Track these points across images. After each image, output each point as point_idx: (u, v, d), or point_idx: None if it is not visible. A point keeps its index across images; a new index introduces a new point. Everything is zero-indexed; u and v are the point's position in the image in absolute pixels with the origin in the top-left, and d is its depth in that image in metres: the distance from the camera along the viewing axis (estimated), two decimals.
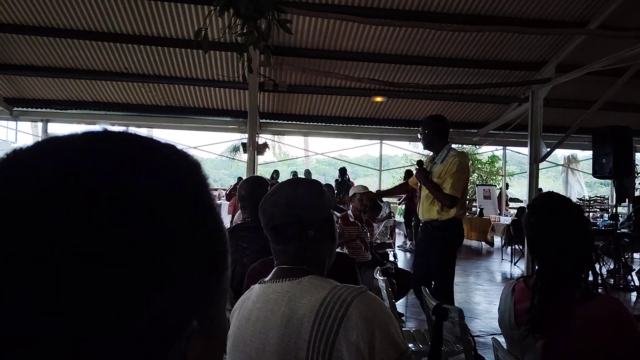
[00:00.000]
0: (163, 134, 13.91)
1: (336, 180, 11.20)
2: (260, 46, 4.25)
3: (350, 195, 4.81)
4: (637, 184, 9.67)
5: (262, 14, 3.91)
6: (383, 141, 12.44)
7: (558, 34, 6.29)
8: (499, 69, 7.45)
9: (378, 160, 14.34)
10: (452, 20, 5.95)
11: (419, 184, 3.72)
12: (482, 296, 6.06)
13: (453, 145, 3.72)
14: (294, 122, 9.62)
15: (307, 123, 9.68)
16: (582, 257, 1.54)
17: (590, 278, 1.56)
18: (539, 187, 7.44)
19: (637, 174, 10.78)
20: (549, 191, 1.78)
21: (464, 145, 11.82)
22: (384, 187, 13.57)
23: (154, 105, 8.77)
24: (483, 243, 10.39)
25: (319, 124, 9.71)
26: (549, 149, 7.39)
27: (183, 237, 0.33)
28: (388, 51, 7.06)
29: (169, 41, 6.81)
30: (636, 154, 9.77)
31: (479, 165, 17.05)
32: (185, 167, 0.37)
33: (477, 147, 14.51)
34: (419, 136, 3.76)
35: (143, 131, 0.39)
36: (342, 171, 11.53)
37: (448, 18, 6.00)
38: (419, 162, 3.85)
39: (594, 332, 1.42)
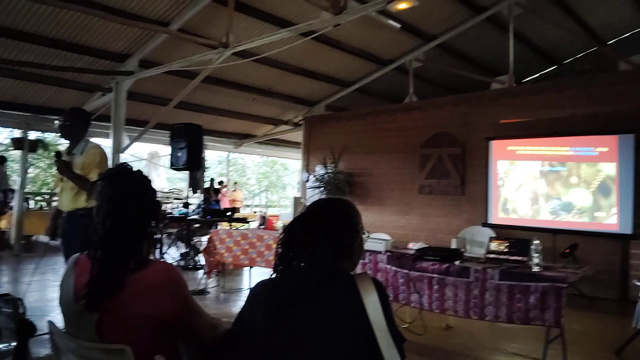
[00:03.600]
0: None
1: None
2: None
3: None
4: (206, 177, 11.12)
5: None
6: None
7: (140, 27, 6.53)
8: (84, 54, 7.15)
9: None
10: None
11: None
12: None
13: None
14: None
15: None
16: (139, 227, 1.58)
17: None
18: None
19: (207, 168, 12.47)
20: (122, 162, 1.76)
21: (45, 134, 10.82)
22: None
23: None
24: None
25: None
26: (130, 142, 7.64)
27: None
28: None
29: None
30: (205, 150, 11.27)
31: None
32: None
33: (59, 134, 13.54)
34: (57, 124, 3.85)
35: None
36: None
37: None
38: (58, 154, 3.69)
39: (149, 296, 1.48)
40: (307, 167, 9.84)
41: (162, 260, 1.64)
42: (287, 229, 1.50)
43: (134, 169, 1.68)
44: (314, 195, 9.13)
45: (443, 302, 3.74)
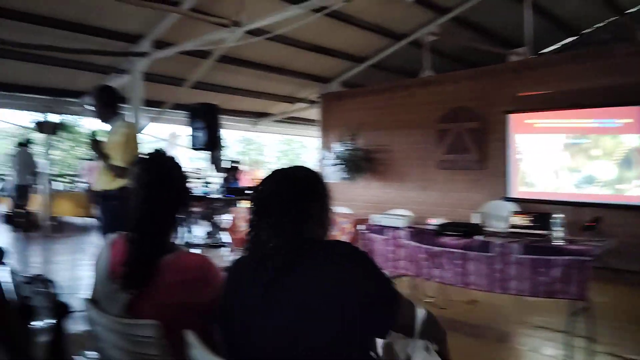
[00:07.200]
0: None
1: None
2: None
3: None
4: (224, 156, 11.16)
5: None
6: None
7: (152, 7, 6.48)
8: (98, 36, 7.17)
9: None
10: None
11: None
12: (88, 270, 5.86)
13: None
14: None
15: None
16: (173, 214, 1.65)
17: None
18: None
19: (225, 147, 12.52)
20: (158, 149, 1.76)
21: (66, 115, 11.01)
22: None
23: None
24: (90, 219, 10.01)
25: None
26: (148, 122, 7.71)
27: None
28: None
29: None
30: (223, 130, 11.31)
31: (82, 138, 16.23)
32: None
33: (79, 117, 13.71)
34: (93, 108, 3.84)
35: None
36: None
37: None
38: (93, 133, 3.75)
39: (184, 287, 1.53)
40: (325, 145, 9.82)
41: (195, 251, 1.66)
42: (254, 200, 1.42)
43: (168, 154, 1.72)
44: (333, 173, 9.14)
45: (466, 277, 3.75)
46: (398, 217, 4.34)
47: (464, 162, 7.73)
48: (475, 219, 4.33)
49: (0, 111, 11.98)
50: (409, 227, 4.19)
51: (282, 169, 1.45)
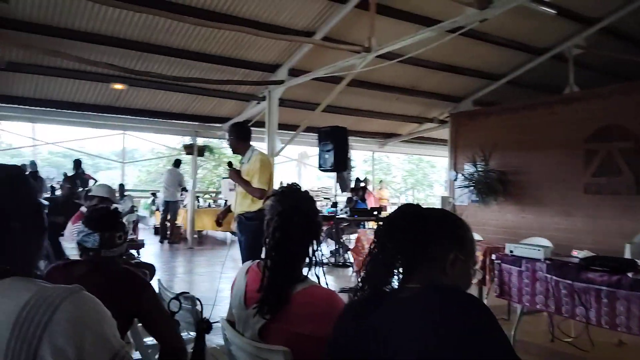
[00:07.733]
0: None
1: (72, 174, 10.16)
2: None
3: (90, 193, 4.86)
4: (352, 177, 11.39)
5: None
6: (126, 132, 11.84)
7: (289, 40, 6.92)
8: (240, 67, 7.81)
9: (121, 152, 13.61)
10: (192, 13, 5.95)
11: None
12: (226, 283, 6.29)
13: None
14: (15, 106, 8.32)
15: (34, 108, 8.51)
16: (304, 245, 1.71)
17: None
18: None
19: (353, 168, 12.77)
20: (294, 182, 1.88)
21: (211, 139, 12.09)
22: (130, 181, 12.90)
23: None
24: (228, 234, 10.80)
25: (49, 109, 8.63)
26: (283, 145, 8.14)
27: None
28: (128, 37, 6.71)
29: None
30: (351, 150, 11.54)
31: (225, 159, 17.65)
32: None
33: (222, 140, 14.95)
34: (228, 142, 4.46)
35: None
36: (77, 163, 10.60)
37: (188, 10, 5.98)
38: (229, 164, 4.32)
39: (314, 320, 1.57)
40: (455, 166, 9.50)
41: (319, 269, 1.71)
42: (377, 232, 1.33)
43: (302, 189, 1.82)
44: (462, 195, 8.81)
45: (614, 318, 3.35)
46: (536, 247, 4.02)
47: (615, 186, 6.94)
48: (628, 251, 3.87)
49: (155, 135, 13.50)
50: (549, 259, 3.86)
51: (412, 204, 1.36)
